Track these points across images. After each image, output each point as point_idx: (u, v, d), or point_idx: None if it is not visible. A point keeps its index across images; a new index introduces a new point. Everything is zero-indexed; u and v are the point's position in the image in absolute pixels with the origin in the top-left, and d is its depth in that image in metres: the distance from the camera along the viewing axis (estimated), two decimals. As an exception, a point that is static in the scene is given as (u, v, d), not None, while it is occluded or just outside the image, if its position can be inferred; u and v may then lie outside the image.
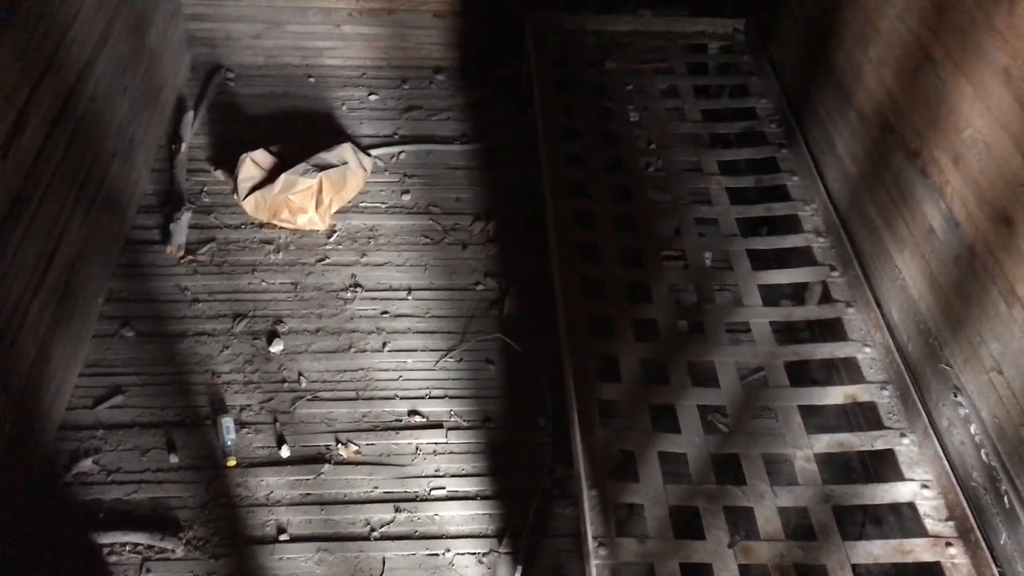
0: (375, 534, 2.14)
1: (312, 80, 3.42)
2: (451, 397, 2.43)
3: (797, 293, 2.54)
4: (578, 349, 2.18)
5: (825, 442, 2.03)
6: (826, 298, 2.37)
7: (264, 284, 2.68)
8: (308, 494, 2.20)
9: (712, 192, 2.67)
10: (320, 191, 2.80)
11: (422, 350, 2.54)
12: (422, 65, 3.51)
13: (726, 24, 3.20)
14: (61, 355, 2.27)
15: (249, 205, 2.82)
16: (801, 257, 2.49)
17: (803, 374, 2.33)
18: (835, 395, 2.14)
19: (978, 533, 1.78)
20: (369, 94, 3.39)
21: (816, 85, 2.69)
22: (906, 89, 2.17)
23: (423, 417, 2.38)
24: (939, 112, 2.02)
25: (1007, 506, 1.74)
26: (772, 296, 2.45)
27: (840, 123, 2.53)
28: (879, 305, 2.24)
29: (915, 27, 2.14)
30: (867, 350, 2.20)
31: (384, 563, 2.09)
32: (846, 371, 2.28)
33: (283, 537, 2.11)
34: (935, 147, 2.03)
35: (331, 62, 3.47)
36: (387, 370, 2.49)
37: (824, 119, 2.63)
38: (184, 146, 3.03)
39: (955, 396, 1.92)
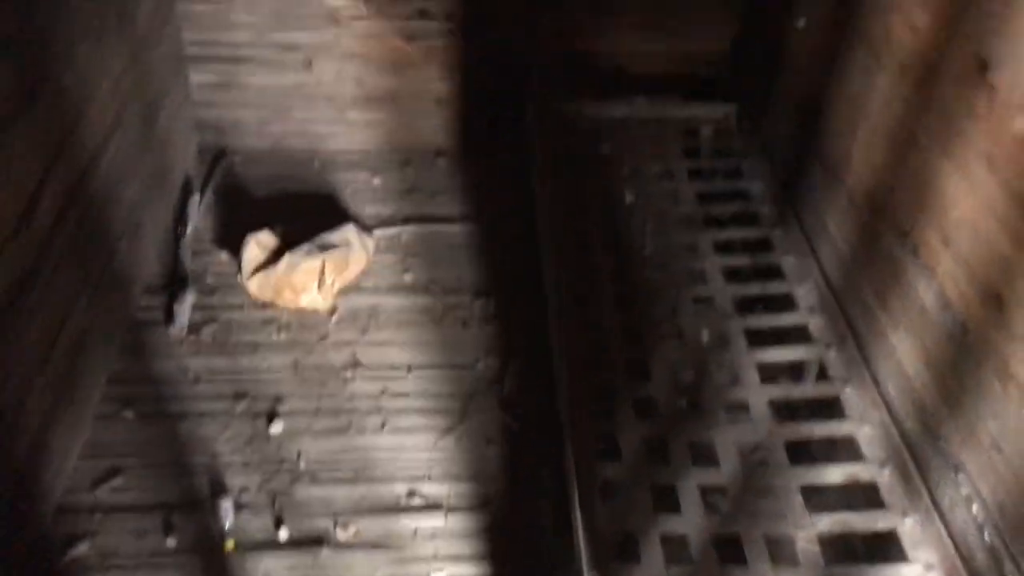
0: (373, 618, 2.11)
1: (316, 164, 3.51)
2: (451, 478, 2.42)
3: (794, 371, 2.55)
4: (579, 428, 2.18)
5: (827, 522, 2.02)
6: (823, 376, 2.38)
7: (266, 364, 2.70)
8: (306, 577, 2.18)
9: (708, 271, 2.71)
10: (323, 271, 2.85)
11: (422, 429, 2.54)
12: (424, 148, 3.60)
13: (718, 109, 3.30)
14: (62, 436, 2.28)
15: (253, 286, 2.87)
16: (797, 335, 2.52)
17: (803, 452, 2.33)
18: (835, 474, 2.14)
19: (984, 615, 1.76)
20: (372, 176, 3.47)
21: (807, 167, 2.76)
22: (894, 172, 2.23)
23: (422, 498, 2.37)
24: (927, 194, 2.07)
25: (1012, 587, 1.72)
26: (769, 374, 2.47)
27: (831, 204, 2.58)
28: (876, 383, 2.25)
29: (900, 113, 2.21)
30: (866, 428, 2.21)
31: (382, 649, 2.05)
32: (846, 449, 2.28)
33: (280, 622, 2.08)
34: (925, 228, 2.08)
35: (336, 146, 3.56)
36: (386, 450, 2.48)
37: (816, 200, 2.69)
38: (190, 228, 3.09)
39: (956, 475, 1.92)
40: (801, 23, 2.82)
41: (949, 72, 1.99)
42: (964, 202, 1.92)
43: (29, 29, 2.09)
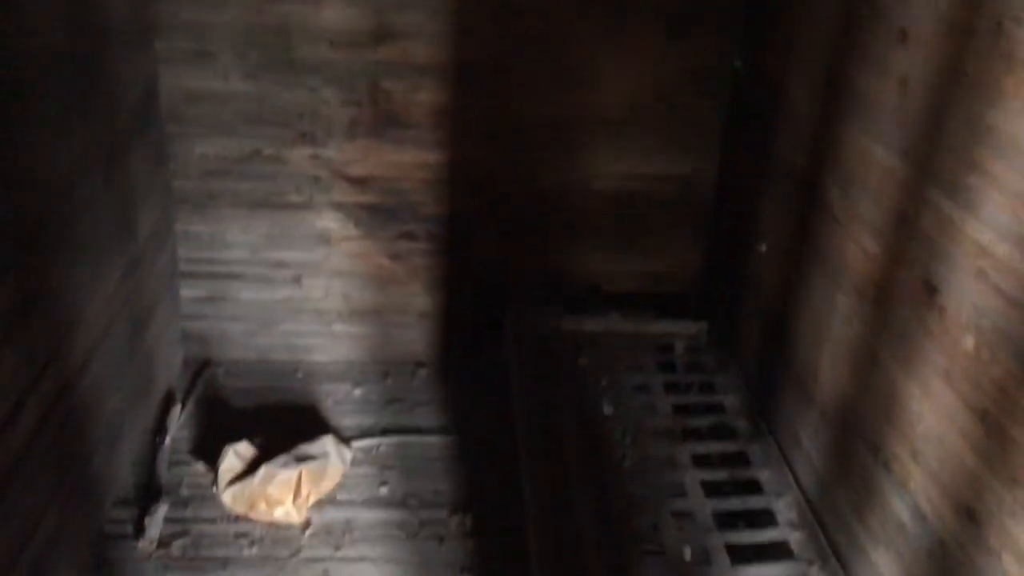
0: None
1: (299, 375, 3.57)
2: None
3: (779, 590, 2.50)
4: (557, 651, 2.09)
5: None
6: (808, 595, 2.33)
7: (234, 581, 2.61)
8: None
9: (687, 485, 2.71)
10: (299, 483, 2.82)
11: (395, 653, 2.43)
12: (405, 360, 3.68)
13: (691, 326, 3.43)
14: (12, 660, 2.15)
15: (227, 497, 2.82)
16: (779, 551, 2.48)
17: None
18: None
19: None
20: (353, 388, 3.52)
21: (778, 381, 2.85)
22: (860, 387, 2.31)
23: None
24: (893, 409, 2.14)
25: None
26: (754, 593, 2.41)
27: (804, 418, 2.64)
28: (862, 602, 2.21)
29: (860, 330, 2.33)
30: (855, 651, 2.13)
31: None
32: (837, 675, 2.19)
33: None
34: (894, 443, 2.13)
35: (319, 358, 3.64)
36: (357, 676, 2.35)
37: (789, 414, 2.76)
38: (168, 439, 3.09)
39: None
40: (763, 247, 3.01)
41: (901, 294, 2.12)
42: (929, 417, 1.99)
43: (32, 253, 2.20)
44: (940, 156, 1.97)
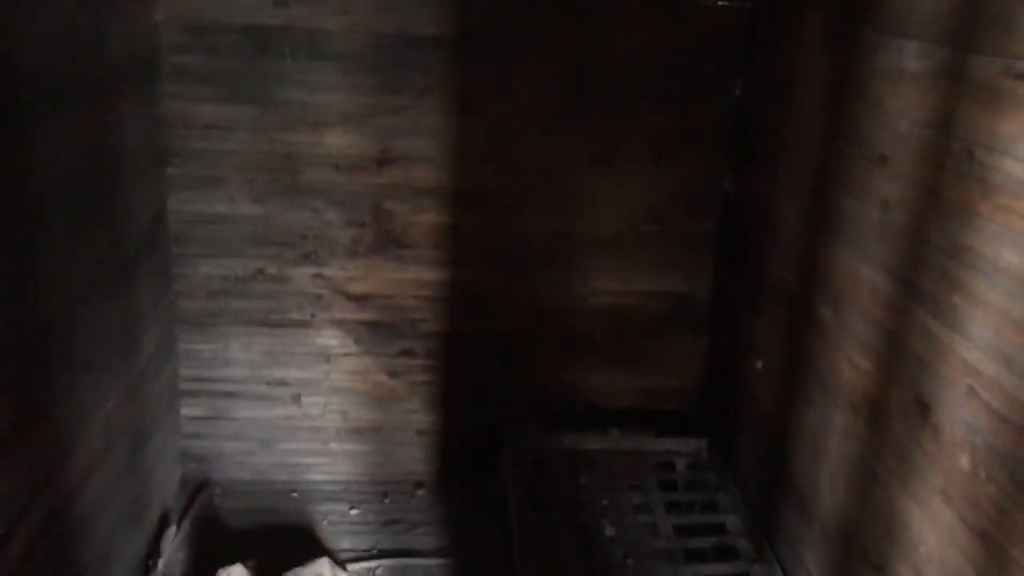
0: None
1: (296, 495, 3.52)
2: None
3: None
4: None
5: None
6: None
7: None
8: None
9: (690, 609, 2.64)
10: (293, 609, 2.76)
11: None
12: (404, 480, 3.64)
13: (691, 443, 3.42)
14: None
15: (218, 624, 2.75)
16: None
17: None
18: None
19: None
20: (350, 508, 3.48)
21: (779, 500, 2.82)
22: (860, 506, 2.29)
23: None
24: (893, 528, 2.11)
25: None
26: None
27: (806, 537, 2.60)
28: None
29: (858, 449, 2.32)
30: None
31: None
32: None
33: None
34: (896, 562, 2.09)
35: (316, 477, 3.61)
36: None
37: (791, 533, 2.71)
38: (162, 562, 3.03)
39: None
40: (760, 364, 3.04)
41: (896, 412, 2.14)
42: (929, 537, 1.96)
43: (34, 371, 2.23)
44: (924, 275, 2.03)
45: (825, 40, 2.64)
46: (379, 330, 3.47)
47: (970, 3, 1.89)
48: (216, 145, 3.19)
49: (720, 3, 3.25)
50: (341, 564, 3.08)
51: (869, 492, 2.25)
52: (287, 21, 3.09)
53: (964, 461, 1.84)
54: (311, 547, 3.20)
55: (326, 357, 3.48)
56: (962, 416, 1.86)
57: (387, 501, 3.55)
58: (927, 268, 2.01)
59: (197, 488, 3.49)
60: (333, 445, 3.59)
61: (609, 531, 3.02)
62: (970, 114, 1.86)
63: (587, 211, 3.39)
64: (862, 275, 2.33)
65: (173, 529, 3.19)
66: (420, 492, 3.61)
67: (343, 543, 3.28)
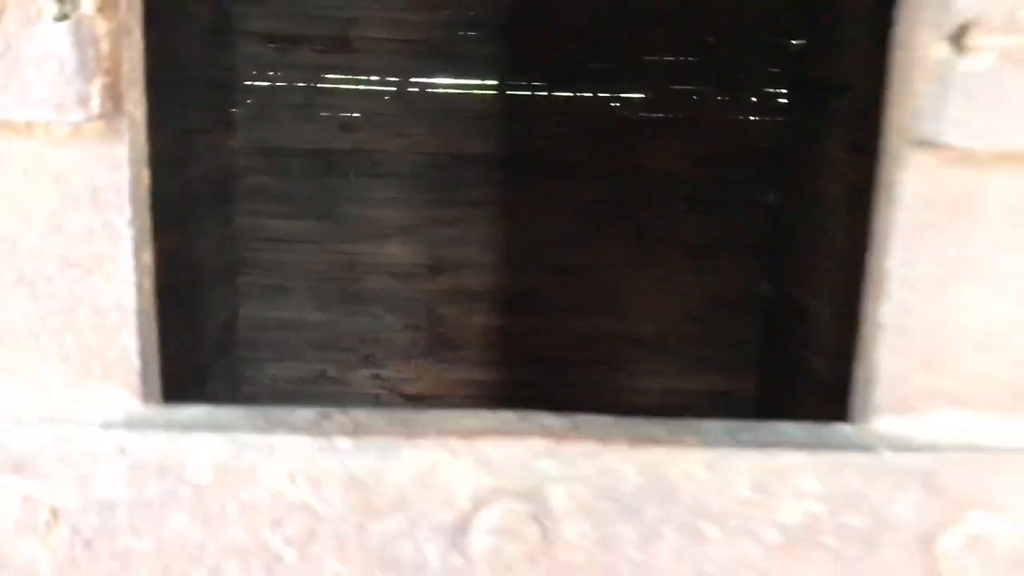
0: None
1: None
2: None
3: None
4: None
5: None
6: None
7: None
8: None
9: None
10: None
11: None
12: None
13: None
14: None
15: None
16: None
17: None
18: None
19: None
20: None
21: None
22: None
23: None
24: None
25: None
26: None
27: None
28: None
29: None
30: None
31: None
32: None
33: None
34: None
35: None
36: None
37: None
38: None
39: None
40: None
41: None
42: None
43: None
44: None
45: (849, 148, 2.80)
46: (432, 429, 3.61)
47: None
48: (284, 256, 3.46)
49: (752, 118, 3.45)
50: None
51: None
52: (351, 144, 3.39)
53: None
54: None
55: (382, 455, 3.62)
56: None
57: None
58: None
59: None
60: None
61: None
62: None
63: (628, 313, 3.53)
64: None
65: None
66: None
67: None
